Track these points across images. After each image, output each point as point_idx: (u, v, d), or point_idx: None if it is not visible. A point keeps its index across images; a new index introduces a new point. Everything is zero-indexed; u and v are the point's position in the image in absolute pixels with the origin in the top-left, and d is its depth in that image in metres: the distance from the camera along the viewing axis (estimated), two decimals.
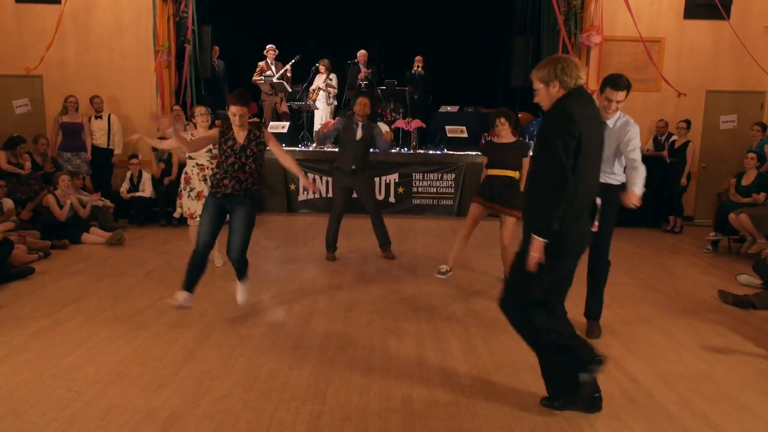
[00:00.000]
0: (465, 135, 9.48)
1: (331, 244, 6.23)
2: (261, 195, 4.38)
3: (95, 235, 6.91)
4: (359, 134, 5.99)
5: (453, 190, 9.17)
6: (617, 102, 3.90)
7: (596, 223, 2.98)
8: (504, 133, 5.19)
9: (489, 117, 5.31)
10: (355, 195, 6.26)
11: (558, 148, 2.66)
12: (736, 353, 3.97)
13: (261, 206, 9.25)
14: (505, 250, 5.19)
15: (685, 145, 8.29)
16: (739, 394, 3.36)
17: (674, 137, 8.53)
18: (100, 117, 8.55)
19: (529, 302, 2.87)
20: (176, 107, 8.81)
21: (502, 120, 5.14)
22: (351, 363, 3.63)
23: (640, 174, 3.92)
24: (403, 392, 3.26)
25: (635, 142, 3.96)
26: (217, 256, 5.86)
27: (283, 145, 9.09)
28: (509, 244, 5.06)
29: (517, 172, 5.14)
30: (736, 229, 6.97)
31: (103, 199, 7.71)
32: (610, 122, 4.01)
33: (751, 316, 4.76)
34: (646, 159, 8.79)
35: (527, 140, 9.50)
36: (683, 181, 8.25)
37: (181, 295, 4.01)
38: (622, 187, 4.02)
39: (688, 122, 8.44)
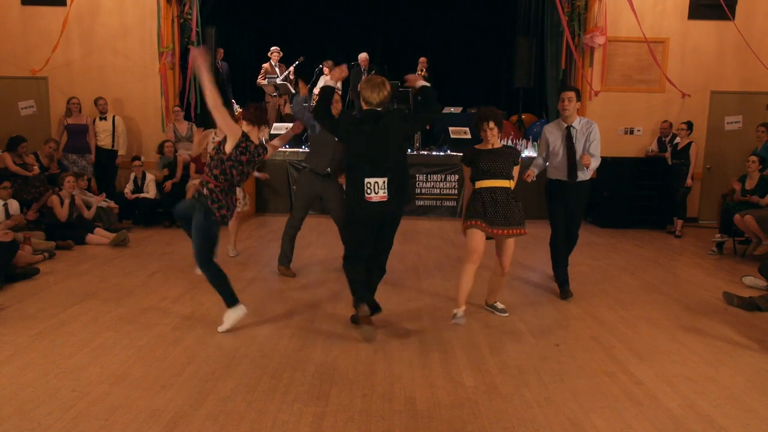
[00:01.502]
0: (468, 136, 9.48)
1: (288, 256, 5.57)
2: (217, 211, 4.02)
3: (99, 235, 6.93)
4: None
5: (456, 192, 9.16)
6: (568, 99, 4.85)
7: (376, 195, 3.90)
8: (492, 138, 4.40)
9: (474, 119, 4.54)
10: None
11: (333, 122, 4.18)
12: (741, 355, 3.95)
13: (263, 207, 9.28)
14: (501, 276, 4.59)
15: (688, 146, 8.25)
16: (744, 396, 3.34)
17: (678, 138, 8.50)
18: (105, 118, 8.59)
19: (348, 255, 4.17)
20: (176, 108, 8.84)
21: (491, 124, 4.35)
22: (354, 364, 3.63)
23: (596, 161, 4.86)
24: (406, 394, 3.26)
25: (597, 140, 4.90)
26: (231, 248, 6.15)
27: (286, 146, 9.20)
28: (509, 270, 4.54)
29: (511, 182, 4.39)
30: (741, 231, 6.93)
31: (107, 200, 7.74)
32: (575, 123, 4.89)
33: (757, 318, 4.73)
34: (650, 161, 8.88)
35: (527, 142, 9.51)
36: (689, 182, 8.20)
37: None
38: (590, 182, 5.03)
39: (689, 123, 8.41)
